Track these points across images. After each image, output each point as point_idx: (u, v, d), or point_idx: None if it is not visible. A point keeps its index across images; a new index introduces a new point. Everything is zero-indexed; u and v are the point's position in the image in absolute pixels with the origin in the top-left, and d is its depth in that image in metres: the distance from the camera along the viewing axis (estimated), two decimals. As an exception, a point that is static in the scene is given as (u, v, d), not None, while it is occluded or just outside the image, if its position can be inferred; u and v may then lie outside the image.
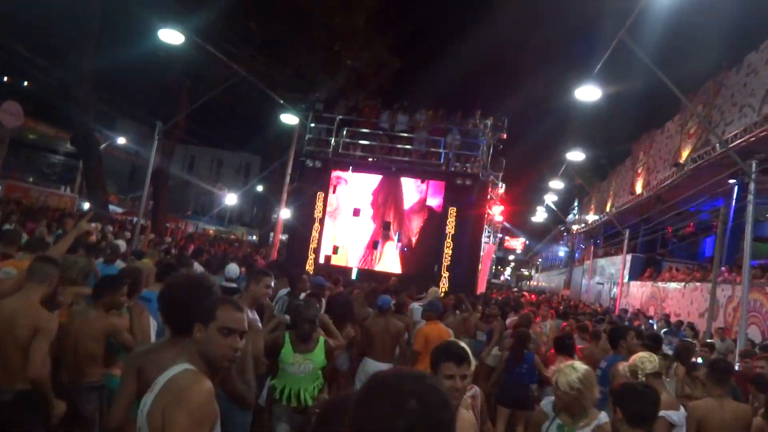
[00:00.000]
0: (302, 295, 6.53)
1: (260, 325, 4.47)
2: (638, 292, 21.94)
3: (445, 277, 14.12)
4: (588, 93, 10.91)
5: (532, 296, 23.95)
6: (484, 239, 16.62)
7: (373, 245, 15.26)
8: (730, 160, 13.78)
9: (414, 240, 15.19)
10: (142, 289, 4.59)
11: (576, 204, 39.45)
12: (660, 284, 19.57)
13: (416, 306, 8.34)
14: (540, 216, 40.00)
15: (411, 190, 15.30)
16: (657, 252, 24.78)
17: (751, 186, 9.07)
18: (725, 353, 9.02)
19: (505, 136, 16.41)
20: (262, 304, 6.32)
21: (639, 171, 23.48)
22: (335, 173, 15.44)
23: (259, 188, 40.32)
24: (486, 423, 3.90)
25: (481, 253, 16.15)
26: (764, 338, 11.44)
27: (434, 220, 14.93)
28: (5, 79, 25.19)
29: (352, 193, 15.57)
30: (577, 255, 38.52)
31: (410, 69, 26.78)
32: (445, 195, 14.76)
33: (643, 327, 13.35)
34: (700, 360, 6.19)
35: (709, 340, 8.88)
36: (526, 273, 71.22)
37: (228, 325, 2.20)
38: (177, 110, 19.08)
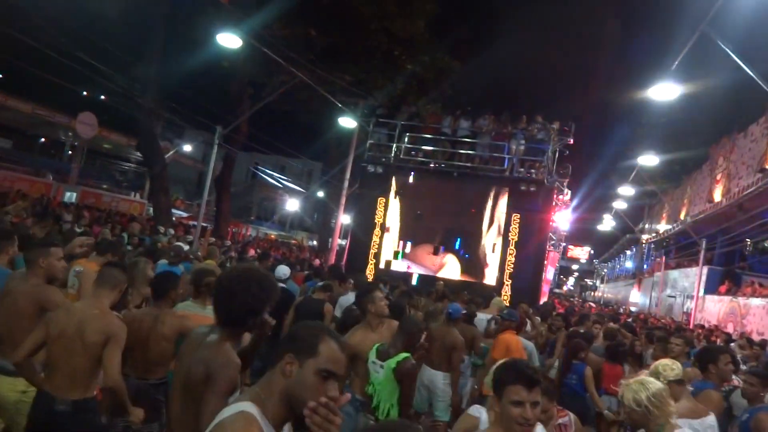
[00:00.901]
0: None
1: None
2: (715, 307, 20.57)
3: (507, 285, 13.65)
4: (664, 91, 10.21)
5: (606, 309, 22.85)
6: (548, 247, 15.99)
7: (435, 251, 15.01)
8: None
9: (476, 247, 14.80)
10: None
11: (647, 212, 37.72)
12: (741, 299, 18.23)
13: (482, 315, 7.94)
14: (607, 224, 38.43)
15: (474, 196, 14.94)
16: (736, 265, 23.23)
17: None
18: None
19: (571, 141, 15.81)
20: (322, 308, 6.21)
21: (718, 177, 22.07)
22: (397, 178, 15.31)
23: (320, 194, 40.75)
24: None
25: (545, 262, 15.54)
26: None
27: (497, 227, 14.56)
28: (84, 93, 26.40)
29: (414, 198, 15.38)
30: (646, 266, 36.78)
31: (472, 73, 26.18)
32: (508, 201, 14.37)
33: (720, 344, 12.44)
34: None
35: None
36: (590, 283, 68.90)
37: (330, 367, 1.77)
38: (239, 117, 19.41)
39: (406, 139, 15.44)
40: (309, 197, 39.52)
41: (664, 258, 29.77)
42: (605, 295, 51.23)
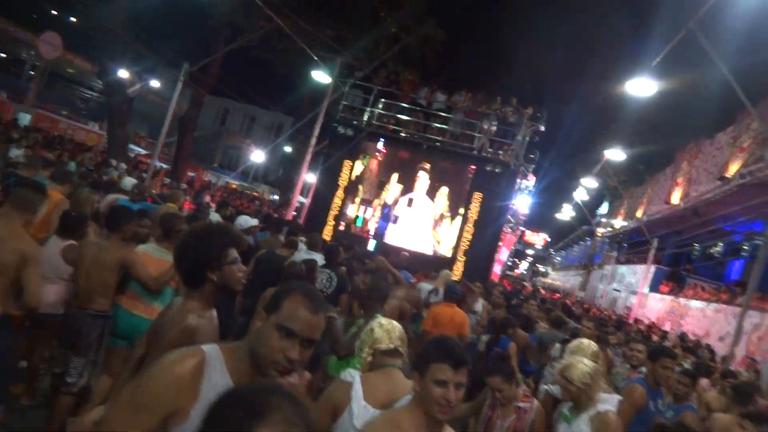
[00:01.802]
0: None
1: None
2: (656, 305, 21.24)
3: (461, 261, 13.76)
4: (641, 87, 10.22)
5: (554, 295, 23.37)
6: (505, 229, 16.16)
7: (395, 220, 15.02)
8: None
9: (435, 220, 14.90)
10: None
11: (606, 206, 38.44)
12: (682, 300, 18.85)
13: (425, 286, 7.92)
14: (566, 213, 39.07)
15: (440, 170, 15.03)
16: (682, 267, 23.97)
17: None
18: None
19: (542, 128, 15.94)
20: (283, 263, 6.04)
21: (679, 181, 22.53)
22: (366, 143, 15.22)
23: (287, 149, 40.13)
24: None
25: (500, 243, 15.72)
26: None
27: (458, 203, 14.67)
28: (53, 12, 25.05)
29: (382, 166, 15.42)
30: (597, 259, 37.70)
31: (455, 47, 25.97)
32: (473, 179, 14.43)
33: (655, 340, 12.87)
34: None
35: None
36: (542, 269, 70.46)
37: (288, 324, 1.67)
38: (212, 58, 18.75)
39: (381, 105, 15.29)
40: (276, 151, 38.85)
41: (615, 253, 30.53)
42: (555, 282, 52.49)
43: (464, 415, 4.06)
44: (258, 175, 45.71)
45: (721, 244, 23.44)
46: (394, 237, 14.97)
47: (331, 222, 14.96)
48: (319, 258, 6.21)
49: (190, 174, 26.21)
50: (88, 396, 3.91)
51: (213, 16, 20.21)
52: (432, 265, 11.21)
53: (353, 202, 15.41)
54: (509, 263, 39.25)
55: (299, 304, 1.70)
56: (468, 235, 13.86)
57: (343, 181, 15.05)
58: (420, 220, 15.00)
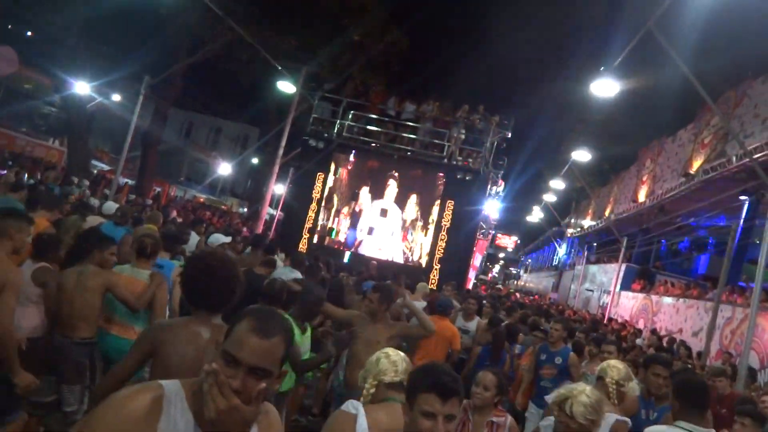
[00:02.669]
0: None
1: None
2: (629, 303, 21.49)
3: (436, 270, 13.75)
4: (605, 87, 10.33)
5: (535, 297, 23.44)
6: (477, 235, 16.24)
7: (369, 231, 15.04)
8: (744, 175, 13.24)
9: (409, 229, 14.95)
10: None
11: (574, 207, 38.96)
12: (654, 297, 19.09)
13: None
14: (536, 216, 39.48)
15: (411, 179, 15.13)
16: (651, 264, 24.33)
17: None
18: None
19: (509, 134, 16.13)
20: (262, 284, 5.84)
21: (644, 179, 22.90)
22: (337, 155, 15.30)
23: (255, 161, 39.66)
24: None
25: (474, 249, 15.77)
26: (762, 365, 10.97)
27: (428, 211, 14.78)
28: (8, 26, 24.25)
29: (353, 177, 15.49)
30: (568, 259, 38.12)
31: (419, 55, 26.07)
32: (444, 188, 14.63)
33: (629, 339, 12.95)
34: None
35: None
36: (514, 272, 71.03)
37: (230, 349, 1.49)
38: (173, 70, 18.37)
39: (351, 117, 15.40)
40: (243, 163, 38.36)
41: (585, 253, 30.87)
42: (527, 284, 52.93)
43: None
44: (226, 188, 45.11)
45: (687, 240, 23.92)
46: (368, 248, 14.90)
47: (305, 235, 14.91)
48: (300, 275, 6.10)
49: (156, 189, 25.60)
50: None
51: (174, 28, 19.84)
52: (407, 274, 11.11)
53: (326, 214, 15.30)
54: (483, 267, 39.40)
55: (248, 329, 1.50)
56: (442, 243, 13.98)
57: (316, 193, 15.09)
58: (392, 230, 14.97)
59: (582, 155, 20.34)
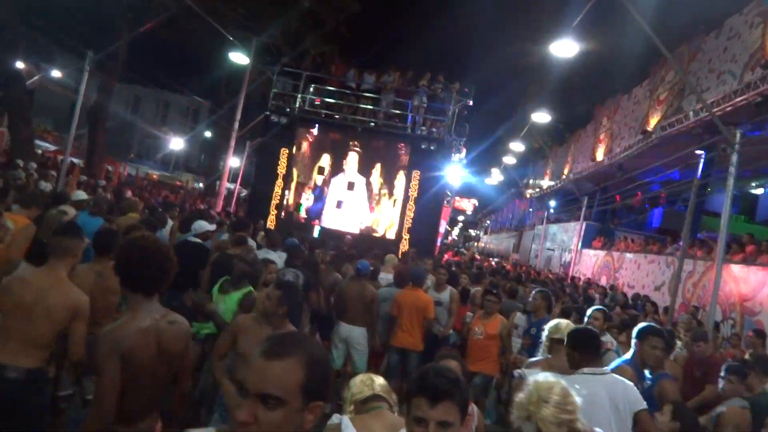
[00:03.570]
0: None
1: None
2: (590, 260, 21.95)
3: (405, 240, 13.69)
4: (564, 48, 10.26)
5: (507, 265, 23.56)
6: (444, 204, 16.27)
7: (337, 204, 14.90)
8: (700, 130, 13.46)
9: (377, 201, 14.83)
10: None
11: (532, 168, 39.39)
12: (615, 254, 19.51)
13: (384, 276, 7.67)
14: (495, 178, 39.78)
15: (374, 150, 15.01)
16: (609, 221, 24.86)
17: (734, 157, 8.61)
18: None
19: (471, 102, 16.01)
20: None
21: (601, 137, 23.19)
22: (300, 130, 15.04)
23: (208, 134, 38.54)
24: None
25: (440, 217, 15.78)
26: (725, 316, 11.34)
27: (398, 183, 14.72)
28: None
29: (318, 151, 15.29)
30: (527, 220, 38.69)
31: (372, 22, 25.42)
32: (410, 158, 14.59)
33: (597, 297, 13.14)
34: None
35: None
36: (474, 234, 71.78)
37: (236, 374, 1.37)
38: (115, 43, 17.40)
39: (312, 90, 15.10)
40: (196, 137, 37.22)
41: (545, 213, 31.34)
42: (488, 246, 53.63)
43: None
44: (179, 163, 43.82)
45: (641, 194, 24.45)
46: (338, 221, 14.74)
47: (273, 211, 14.69)
48: (276, 256, 6.18)
49: (108, 168, 24.57)
50: None
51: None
52: (378, 246, 11.03)
53: (289, 189, 15.01)
54: (445, 233, 39.66)
55: (257, 349, 1.29)
56: (410, 213, 14.00)
57: (281, 169, 14.82)
58: (360, 203, 14.82)
59: (541, 117, 20.43)
